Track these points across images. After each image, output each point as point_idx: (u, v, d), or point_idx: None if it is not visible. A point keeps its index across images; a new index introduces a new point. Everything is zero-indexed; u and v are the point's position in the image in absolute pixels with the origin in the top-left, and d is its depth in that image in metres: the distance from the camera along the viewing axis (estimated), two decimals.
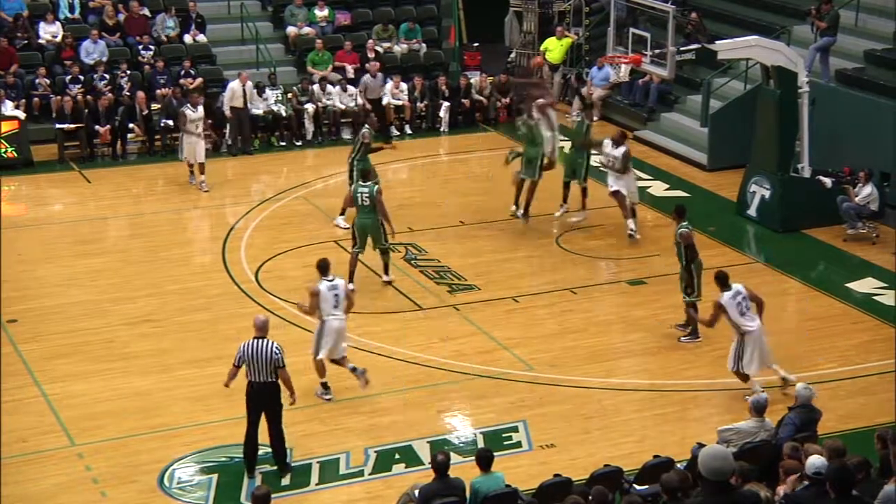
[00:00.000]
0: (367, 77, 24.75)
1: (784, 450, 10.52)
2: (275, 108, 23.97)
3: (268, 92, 24.02)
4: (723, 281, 14.40)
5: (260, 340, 12.55)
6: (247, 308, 16.90)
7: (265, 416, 12.63)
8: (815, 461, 9.24)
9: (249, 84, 23.60)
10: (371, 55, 25.88)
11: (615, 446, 13.43)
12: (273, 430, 12.68)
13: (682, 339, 16.02)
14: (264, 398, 12.60)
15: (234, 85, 23.38)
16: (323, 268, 14.38)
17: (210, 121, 23.17)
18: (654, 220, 20.68)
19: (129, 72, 24.07)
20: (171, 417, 14.03)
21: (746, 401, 12.69)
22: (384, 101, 24.86)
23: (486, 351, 15.77)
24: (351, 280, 16.77)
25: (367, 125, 19.78)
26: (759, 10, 25.43)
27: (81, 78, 23.55)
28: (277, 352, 12.49)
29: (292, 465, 12.92)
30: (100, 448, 13.37)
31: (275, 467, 12.92)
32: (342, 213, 19.43)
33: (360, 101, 24.50)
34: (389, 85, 24.93)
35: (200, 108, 21.27)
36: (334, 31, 26.72)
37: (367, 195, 17.03)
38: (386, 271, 17.63)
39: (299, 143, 24.12)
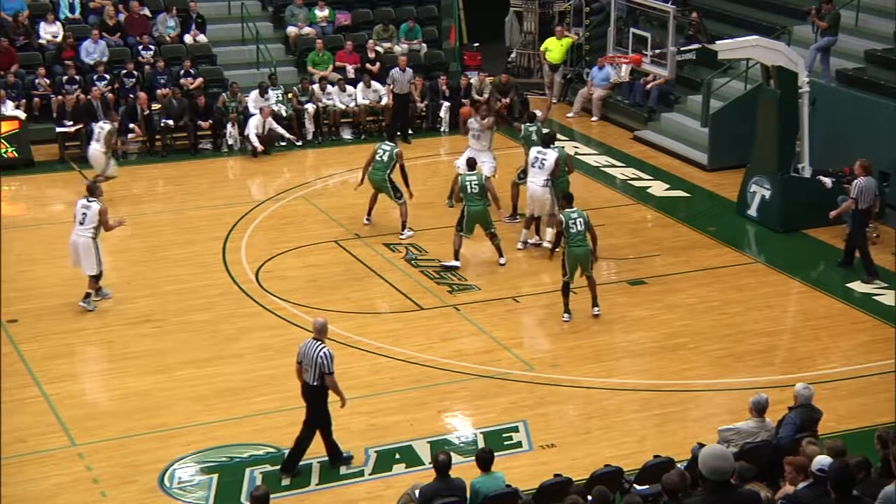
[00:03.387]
0: (395, 71, 24.59)
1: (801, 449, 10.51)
2: (275, 108, 23.97)
3: (269, 92, 24.01)
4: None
5: (314, 342, 12.66)
6: (247, 308, 16.93)
7: (306, 416, 12.78)
8: (822, 459, 9.24)
9: (270, 120, 23.53)
10: (371, 55, 25.88)
11: (615, 446, 13.44)
12: (302, 430, 12.80)
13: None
14: (308, 399, 12.74)
15: (256, 120, 23.38)
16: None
17: (210, 121, 23.36)
18: (654, 220, 20.69)
19: (135, 72, 24.10)
20: (171, 417, 14.04)
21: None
22: (384, 101, 24.86)
23: (487, 351, 15.78)
24: (457, 258, 18.04)
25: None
26: (759, 10, 25.42)
27: (77, 78, 23.55)
28: (324, 357, 12.54)
29: (298, 472, 12.88)
30: (100, 448, 13.37)
31: (275, 467, 12.93)
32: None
33: (386, 96, 24.44)
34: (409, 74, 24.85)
35: (112, 125, 20.99)
36: (335, 31, 26.73)
37: (475, 183, 17.81)
38: (500, 254, 18.35)
39: (299, 143, 24.12)
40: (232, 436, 13.58)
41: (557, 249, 17.47)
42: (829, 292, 17.78)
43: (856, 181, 18.05)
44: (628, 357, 15.96)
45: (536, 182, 18.42)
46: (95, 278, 16.79)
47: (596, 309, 16.75)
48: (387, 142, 19.20)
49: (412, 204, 19.39)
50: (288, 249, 18.88)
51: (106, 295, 17.10)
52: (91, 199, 16.73)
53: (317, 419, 12.80)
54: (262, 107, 23.52)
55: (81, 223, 16.63)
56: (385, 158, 18.89)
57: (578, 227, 16.35)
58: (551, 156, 18.50)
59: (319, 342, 12.63)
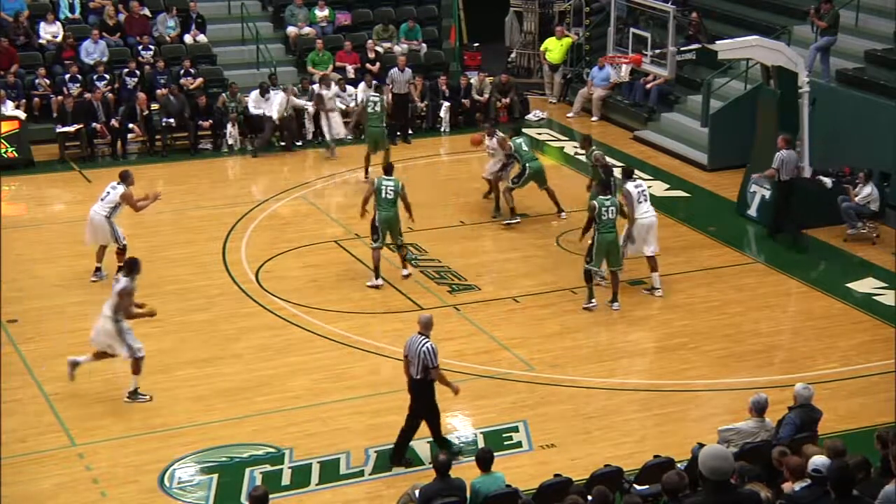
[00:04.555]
0: (394, 71, 24.55)
1: (773, 454, 10.51)
2: (277, 108, 23.95)
3: (270, 92, 23.99)
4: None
5: (419, 337, 12.73)
6: (247, 308, 16.93)
7: (409, 408, 12.92)
8: (816, 459, 9.24)
9: (293, 98, 23.86)
10: (371, 55, 25.88)
11: (615, 446, 13.44)
12: (407, 421, 12.94)
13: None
14: (413, 393, 12.85)
15: (281, 97, 23.62)
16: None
17: (210, 121, 23.38)
18: None
19: (137, 71, 24.11)
20: (171, 417, 14.03)
21: None
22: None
23: (487, 351, 15.77)
24: (378, 276, 17.37)
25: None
26: (759, 10, 25.43)
27: (79, 78, 23.56)
28: (427, 352, 12.60)
29: (409, 461, 13.04)
30: (100, 448, 13.37)
31: (275, 467, 12.94)
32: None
33: (387, 95, 24.40)
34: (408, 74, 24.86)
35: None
36: (335, 31, 26.72)
37: (391, 188, 17.24)
38: (404, 265, 17.84)
39: (299, 143, 24.11)
40: (232, 436, 13.58)
41: (587, 235, 17.31)
42: (829, 292, 17.78)
43: (777, 154, 18.76)
44: (628, 357, 15.96)
45: (651, 215, 17.45)
46: (122, 251, 17.24)
47: (616, 304, 16.82)
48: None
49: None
50: (288, 249, 18.87)
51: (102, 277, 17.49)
52: (120, 183, 17.31)
53: (421, 410, 12.89)
54: (287, 87, 23.95)
55: (102, 199, 17.29)
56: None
57: (611, 215, 16.56)
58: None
59: (424, 337, 12.73)
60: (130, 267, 14.49)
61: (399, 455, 13.03)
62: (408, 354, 12.80)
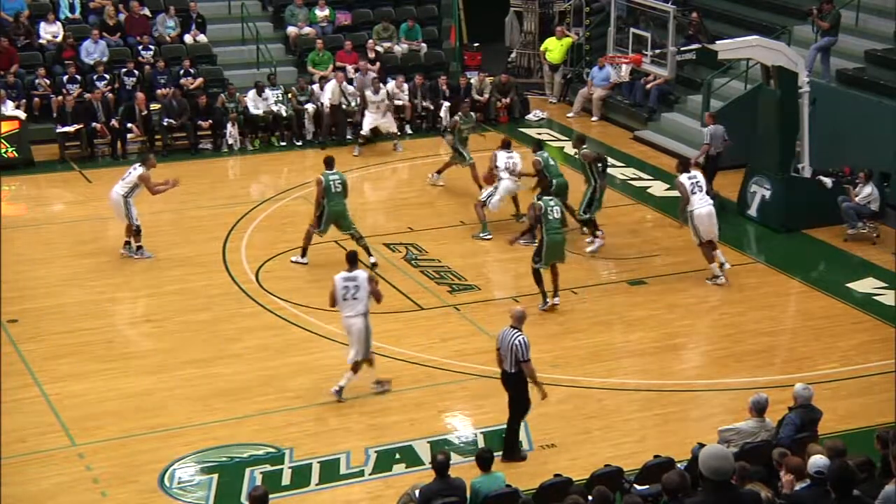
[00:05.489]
0: (358, 75, 24.61)
1: (773, 455, 10.51)
2: (275, 108, 23.97)
3: (267, 92, 24.01)
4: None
5: (511, 330, 12.81)
6: (247, 308, 16.93)
7: (509, 402, 12.98)
8: (817, 461, 9.24)
9: (345, 84, 24.10)
10: (371, 55, 25.88)
11: (615, 446, 13.44)
12: (511, 416, 13.02)
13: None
14: (507, 386, 12.93)
15: (332, 85, 23.89)
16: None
17: (210, 121, 23.39)
18: (654, 220, 20.69)
19: (136, 71, 24.11)
20: (171, 417, 14.03)
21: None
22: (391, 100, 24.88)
23: (487, 351, 15.74)
24: (304, 255, 18.23)
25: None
26: (759, 10, 25.43)
27: (79, 78, 23.56)
28: (519, 345, 12.69)
29: (524, 455, 13.12)
30: (100, 448, 13.37)
31: (275, 467, 12.94)
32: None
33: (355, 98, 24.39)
34: (392, 84, 24.91)
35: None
36: (335, 31, 26.72)
37: (338, 182, 17.86)
38: (368, 253, 18.15)
39: (299, 143, 24.12)
40: (232, 436, 13.58)
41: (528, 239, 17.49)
42: (829, 292, 17.78)
43: (706, 129, 20.71)
44: (628, 357, 15.95)
45: (707, 203, 17.75)
46: (134, 231, 18.23)
47: (556, 298, 16.89)
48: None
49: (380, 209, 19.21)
50: (288, 249, 18.87)
51: (145, 255, 18.38)
52: (140, 165, 18.31)
53: (522, 404, 12.99)
54: (336, 74, 24.27)
55: (123, 179, 18.20)
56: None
57: (556, 215, 16.61)
58: (700, 176, 18.26)
59: (517, 330, 12.80)
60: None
61: (513, 449, 13.08)
62: (500, 348, 12.91)
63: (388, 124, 24.03)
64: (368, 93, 23.84)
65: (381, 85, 24.25)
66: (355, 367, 14.28)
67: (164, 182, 18.56)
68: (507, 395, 13.08)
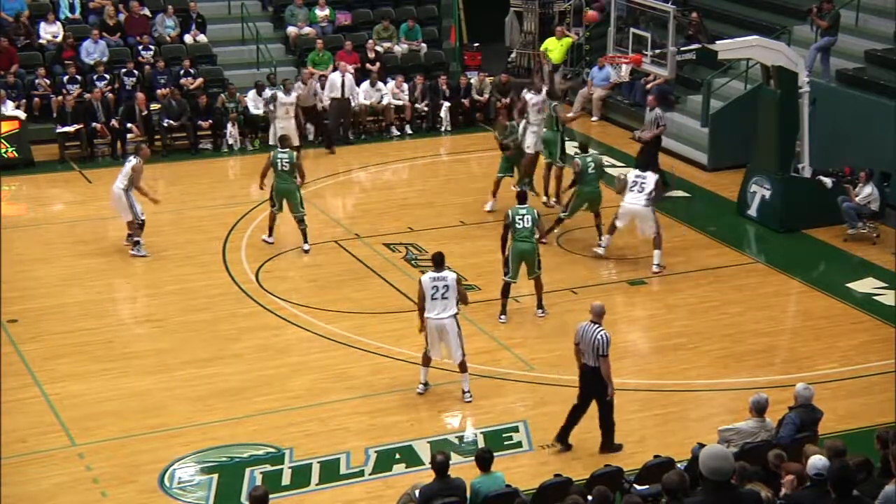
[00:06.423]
0: (334, 75, 24.43)
1: (769, 458, 10.51)
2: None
3: (267, 92, 23.98)
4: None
5: (592, 325, 12.88)
6: (247, 308, 16.92)
7: (595, 401, 13.01)
8: (817, 462, 9.23)
9: (349, 76, 24.20)
10: (371, 55, 25.88)
11: None
12: (600, 413, 13.07)
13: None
14: (590, 381, 12.96)
15: (335, 76, 24.00)
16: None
17: (210, 121, 23.42)
18: None
19: (135, 71, 24.12)
20: (171, 417, 14.03)
21: None
22: (384, 101, 24.90)
23: (487, 351, 15.77)
24: (271, 234, 18.75)
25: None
26: (759, 10, 25.41)
27: (79, 78, 23.57)
28: (601, 339, 12.73)
29: (619, 447, 13.17)
30: (100, 448, 13.37)
31: (275, 467, 12.94)
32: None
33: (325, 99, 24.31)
34: (391, 84, 24.90)
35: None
36: (335, 31, 26.71)
37: (286, 161, 18.29)
38: (305, 240, 18.61)
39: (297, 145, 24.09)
40: (232, 436, 13.58)
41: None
42: (829, 292, 17.78)
43: (654, 111, 21.17)
44: (628, 357, 15.92)
45: (638, 202, 17.93)
46: (136, 226, 18.30)
47: (540, 311, 16.70)
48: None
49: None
50: (288, 249, 18.87)
51: (140, 253, 18.38)
52: (134, 156, 18.55)
53: (603, 399, 13.00)
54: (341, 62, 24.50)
55: (121, 173, 18.32)
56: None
57: (526, 224, 16.25)
58: (650, 179, 18.17)
59: (597, 325, 12.85)
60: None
61: (609, 445, 13.16)
62: (579, 342, 12.95)
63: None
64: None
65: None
66: (463, 366, 14.38)
67: (149, 191, 18.81)
68: (579, 393, 13.10)
